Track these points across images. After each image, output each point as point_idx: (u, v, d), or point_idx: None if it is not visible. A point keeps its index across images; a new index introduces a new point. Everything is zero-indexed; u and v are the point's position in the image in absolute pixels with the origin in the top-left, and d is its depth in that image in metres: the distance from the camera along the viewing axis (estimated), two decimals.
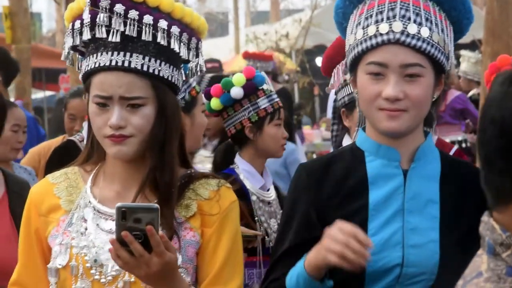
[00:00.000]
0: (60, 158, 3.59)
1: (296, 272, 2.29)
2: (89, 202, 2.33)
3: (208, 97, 3.83)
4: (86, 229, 2.30)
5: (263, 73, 3.81)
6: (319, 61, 17.94)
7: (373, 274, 2.30)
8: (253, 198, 3.71)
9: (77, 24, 2.31)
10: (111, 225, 2.27)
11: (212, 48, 18.52)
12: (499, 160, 1.52)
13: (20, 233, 2.41)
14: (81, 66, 2.35)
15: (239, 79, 3.78)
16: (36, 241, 2.37)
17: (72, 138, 4.13)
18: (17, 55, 12.55)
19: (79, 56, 2.39)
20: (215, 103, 3.82)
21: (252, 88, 3.78)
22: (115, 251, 2.09)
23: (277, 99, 3.85)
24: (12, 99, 8.14)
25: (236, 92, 3.77)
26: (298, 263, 2.30)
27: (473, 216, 2.28)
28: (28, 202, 2.41)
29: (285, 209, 2.48)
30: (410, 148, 2.38)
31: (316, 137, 13.57)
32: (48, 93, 17.75)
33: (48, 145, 5.05)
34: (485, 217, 1.58)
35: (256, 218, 3.68)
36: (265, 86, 3.82)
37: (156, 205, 2.13)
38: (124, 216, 2.09)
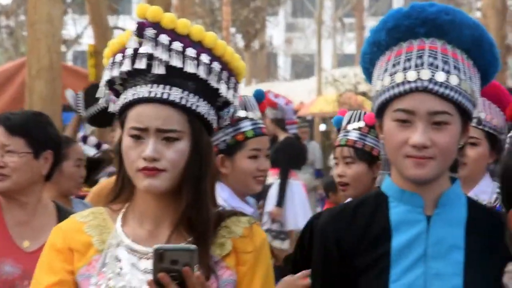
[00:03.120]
0: None
1: None
2: (122, 241, 2.30)
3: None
4: (121, 269, 2.28)
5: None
6: None
7: None
8: None
9: (118, 57, 2.31)
10: (146, 264, 2.25)
11: (294, 89, 18.60)
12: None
13: (40, 268, 2.35)
14: (114, 105, 2.36)
15: None
16: (64, 274, 2.32)
17: None
18: None
19: (113, 97, 2.38)
20: None
21: None
22: None
23: None
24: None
25: None
26: None
27: (499, 266, 2.28)
28: (55, 237, 2.35)
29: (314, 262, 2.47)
30: (434, 194, 2.37)
31: None
32: None
33: (107, 184, 5.10)
34: (510, 267, 1.56)
35: None
36: None
37: (194, 246, 2.13)
38: (161, 257, 2.10)
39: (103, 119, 6.46)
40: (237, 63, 2.37)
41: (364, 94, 16.48)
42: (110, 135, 5.77)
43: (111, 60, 2.34)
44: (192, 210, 2.27)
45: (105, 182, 5.13)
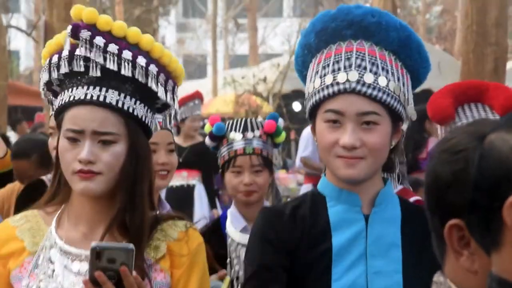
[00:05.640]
0: (30, 196, 3.56)
1: None
2: (55, 243, 2.29)
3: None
4: (53, 271, 2.26)
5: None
6: (296, 105, 17.94)
7: None
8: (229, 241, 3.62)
9: (55, 58, 2.29)
10: (79, 266, 2.25)
11: (188, 89, 18.54)
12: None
13: None
14: (54, 106, 2.34)
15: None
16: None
17: (42, 177, 4.12)
18: None
19: (53, 98, 2.36)
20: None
21: None
22: None
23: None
24: None
25: None
26: None
27: (433, 261, 2.33)
28: None
29: (250, 257, 2.46)
30: (370, 193, 2.41)
31: (291, 181, 13.56)
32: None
33: (11, 189, 4.98)
34: (440, 278, 1.52)
35: (228, 260, 3.64)
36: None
37: (131, 245, 2.11)
38: (98, 256, 2.08)
39: None
40: (175, 65, 2.37)
41: (261, 95, 16.55)
42: None
43: (47, 61, 2.33)
44: (126, 213, 2.26)
45: (8, 186, 5.01)
